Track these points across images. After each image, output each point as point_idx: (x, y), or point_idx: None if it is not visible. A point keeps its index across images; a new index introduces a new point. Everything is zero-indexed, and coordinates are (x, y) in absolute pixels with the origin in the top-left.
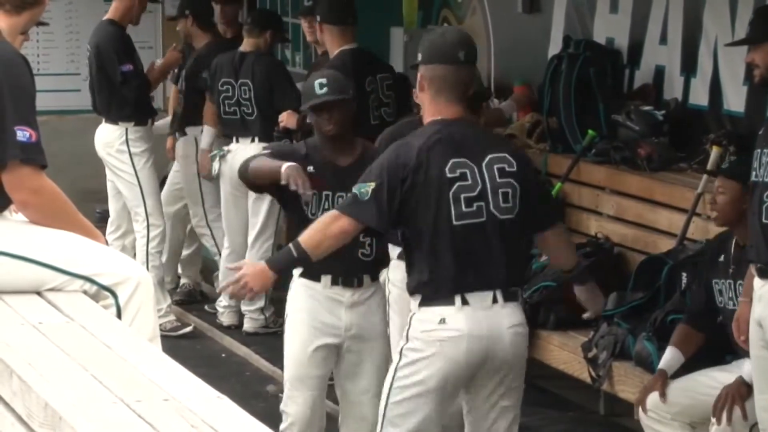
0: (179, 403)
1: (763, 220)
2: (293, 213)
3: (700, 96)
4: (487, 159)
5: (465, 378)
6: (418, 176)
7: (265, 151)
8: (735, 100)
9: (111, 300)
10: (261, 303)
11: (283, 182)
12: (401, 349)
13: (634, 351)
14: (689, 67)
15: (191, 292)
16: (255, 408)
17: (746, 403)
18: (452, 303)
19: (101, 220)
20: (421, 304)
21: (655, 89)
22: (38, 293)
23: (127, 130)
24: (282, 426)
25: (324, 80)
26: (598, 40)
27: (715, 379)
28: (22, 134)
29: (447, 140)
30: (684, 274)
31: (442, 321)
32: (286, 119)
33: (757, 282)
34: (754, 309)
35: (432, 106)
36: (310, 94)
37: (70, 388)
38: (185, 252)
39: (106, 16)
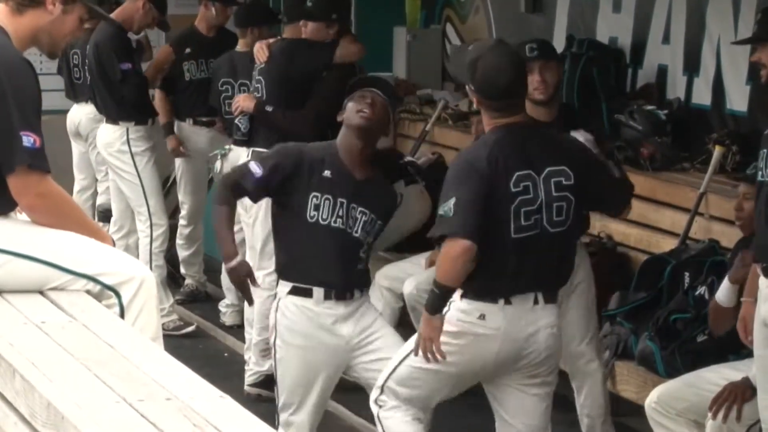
0: (182, 403)
1: None
2: (290, 214)
3: (703, 95)
4: (545, 172)
5: (490, 374)
6: (488, 189)
7: (258, 168)
8: (738, 99)
9: (114, 299)
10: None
11: (223, 281)
12: None
13: (636, 350)
14: (692, 66)
15: (194, 292)
16: (257, 407)
17: (746, 405)
18: (495, 302)
19: (104, 218)
20: (464, 296)
21: (658, 89)
22: (41, 292)
23: (127, 129)
24: None
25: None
26: (601, 40)
27: (723, 376)
28: (27, 140)
29: (511, 150)
30: (687, 274)
31: (482, 317)
32: (243, 101)
33: (763, 281)
34: (760, 308)
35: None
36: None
37: (73, 387)
38: (185, 253)
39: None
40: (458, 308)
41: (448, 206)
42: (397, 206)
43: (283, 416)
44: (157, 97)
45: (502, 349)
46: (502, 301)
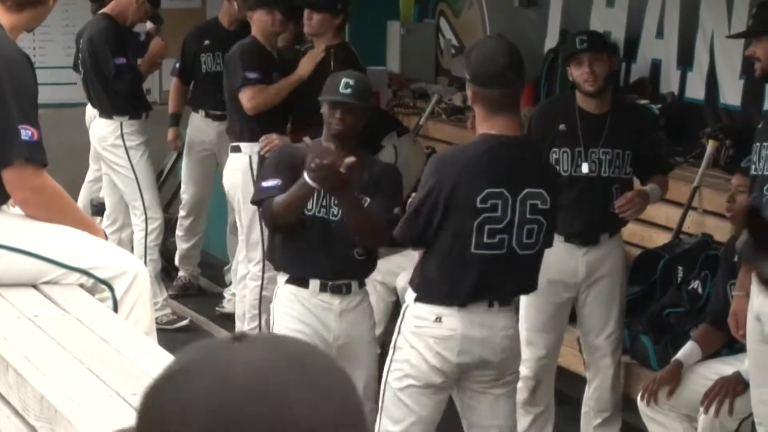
0: None
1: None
2: None
3: (696, 90)
4: (523, 193)
5: (456, 375)
6: (453, 197)
7: (271, 181)
8: (731, 93)
9: (108, 293)
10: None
11: (315, 183)
12: (395, 343)
13: (629, 345)
14: (686, 60)
15: (187, 286)
16: None
17: (738, 399)
18: (450, 306)
19: (97, 212)
20: (418, 299)
21: (652, 83)
22: (34, 286)
23: (121, 124)
24: None
25: (351, 81)
26: None
27: (716, 371)
28: (25, 133)
29: (492, 166)
30: (680, 268)
31: (438, 320)
32: (280, 143)
33: (756, 276)
34: (753, 303)
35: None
36: (333, 90)
37: (66, 381)
38: (184, 245)
39: (102, 10)
40: (413, 314)
41: (408, 204)
42: (386, 178)
43: None
44: (172, 85)
45: (462, 350)
46: (456, 306)
